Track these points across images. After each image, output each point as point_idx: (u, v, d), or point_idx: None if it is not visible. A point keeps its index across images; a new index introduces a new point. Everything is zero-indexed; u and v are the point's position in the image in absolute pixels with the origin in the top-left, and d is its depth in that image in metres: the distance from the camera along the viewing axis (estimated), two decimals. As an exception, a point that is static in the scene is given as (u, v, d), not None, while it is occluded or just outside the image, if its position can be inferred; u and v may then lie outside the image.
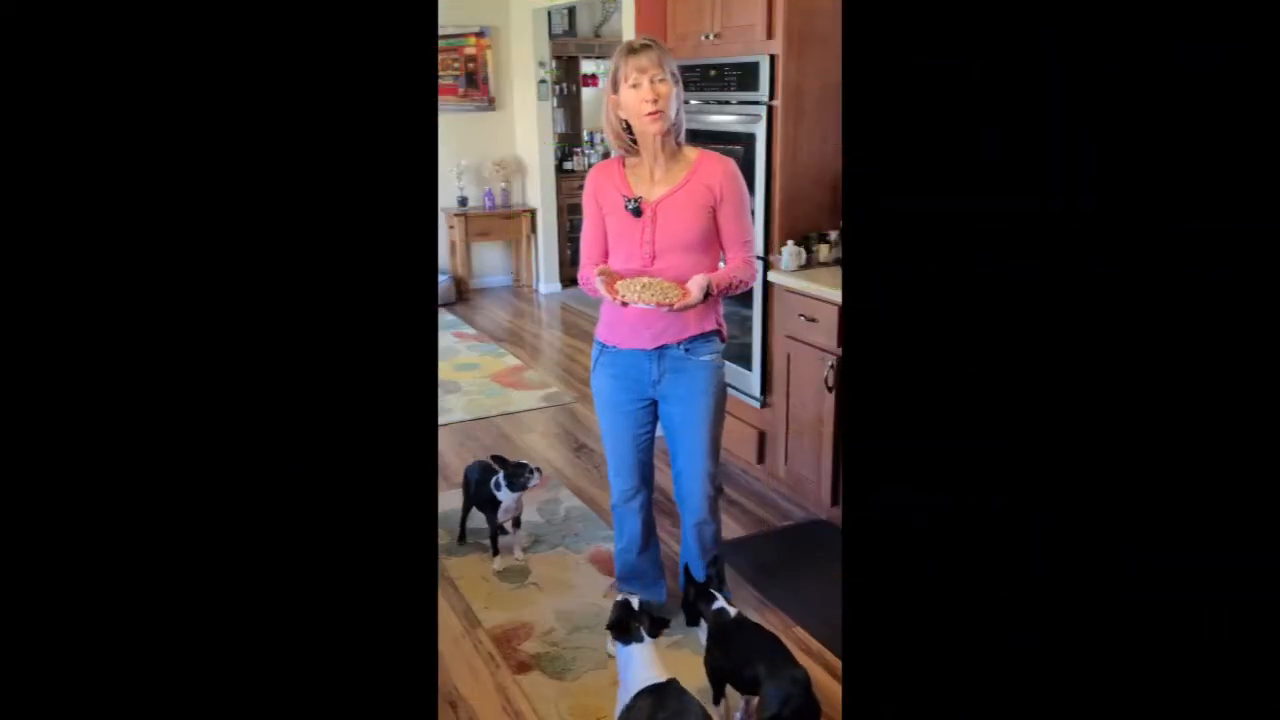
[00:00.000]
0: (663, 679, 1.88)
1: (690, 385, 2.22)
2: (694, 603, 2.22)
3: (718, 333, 2.25)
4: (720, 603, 2.16)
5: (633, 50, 2.04)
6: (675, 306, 2.02)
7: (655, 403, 2.30)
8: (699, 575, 2.31)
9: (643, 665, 1.94)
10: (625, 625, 1.99)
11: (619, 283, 2.08)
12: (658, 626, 2.04)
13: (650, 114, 2.04)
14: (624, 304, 2.05)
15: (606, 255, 2.23)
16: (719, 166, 2.13)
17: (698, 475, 2.30)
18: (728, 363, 2.80)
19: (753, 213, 3.20)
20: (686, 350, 2.20)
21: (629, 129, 2.11)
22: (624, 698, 1.91)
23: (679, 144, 2.14)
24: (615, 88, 2.08)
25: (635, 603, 2.05)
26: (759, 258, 3.17)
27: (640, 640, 1.97)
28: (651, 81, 2.02)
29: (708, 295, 2.06)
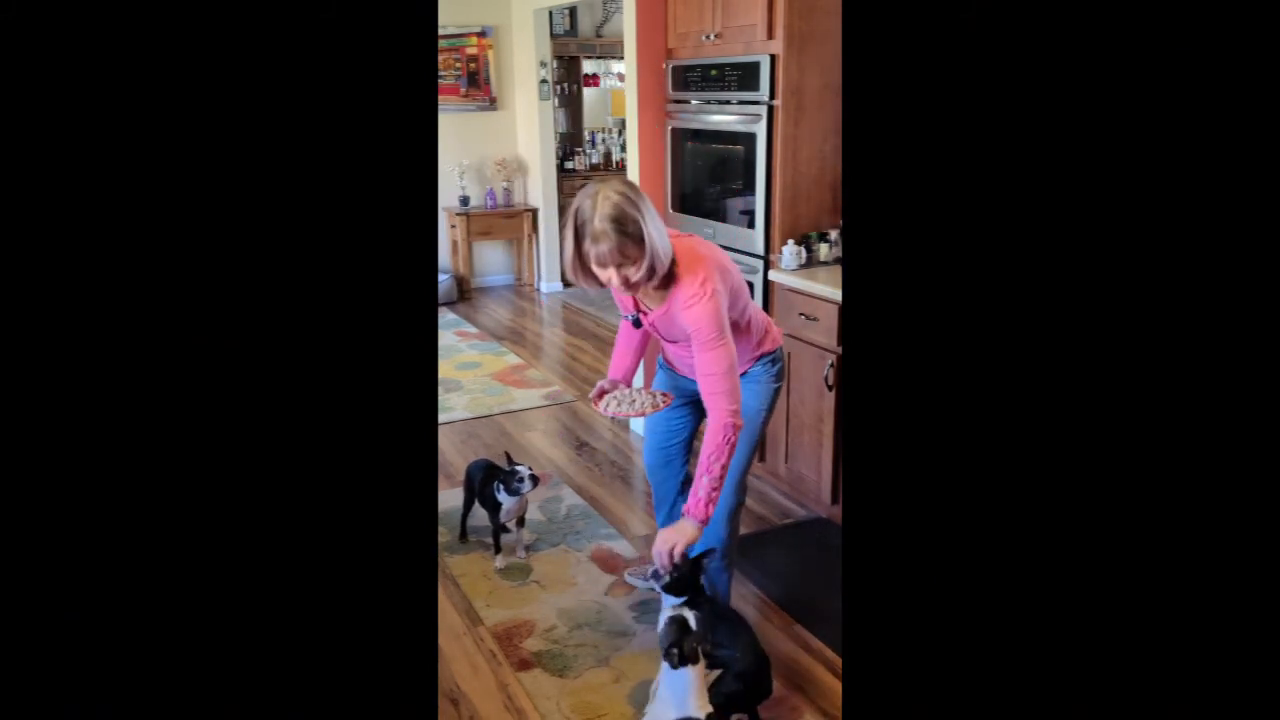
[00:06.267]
0: (702, 715, 1.79)
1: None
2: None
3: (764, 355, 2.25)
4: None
5: (594, 238, 1.87)
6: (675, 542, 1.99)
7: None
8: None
9: (689, 691, 1.82)
10: (682, 649, 1.82)
11: (607, 395, 2.25)
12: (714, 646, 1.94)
13: (622, 291, 2.00)
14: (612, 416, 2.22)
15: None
16: (686, 312, 1.99)
17: None
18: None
19: (752, 213, 3.23)
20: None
21: None
22: None
23: (663, 272, 1.98)
24: (579, 246, 1.94)
25: (692, 620, 1.92)
26: (760, 256, 3.20)
27: (697, 662, 1.83)
28: (618, 268, 1.90)
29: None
